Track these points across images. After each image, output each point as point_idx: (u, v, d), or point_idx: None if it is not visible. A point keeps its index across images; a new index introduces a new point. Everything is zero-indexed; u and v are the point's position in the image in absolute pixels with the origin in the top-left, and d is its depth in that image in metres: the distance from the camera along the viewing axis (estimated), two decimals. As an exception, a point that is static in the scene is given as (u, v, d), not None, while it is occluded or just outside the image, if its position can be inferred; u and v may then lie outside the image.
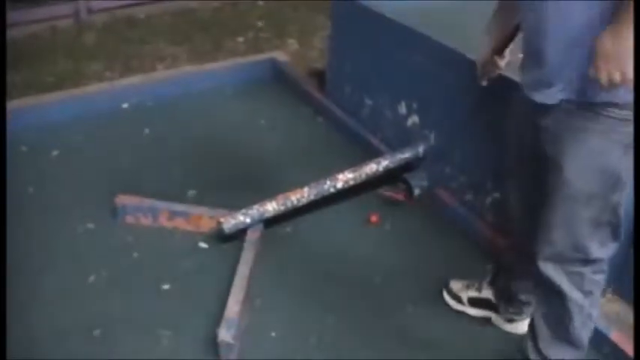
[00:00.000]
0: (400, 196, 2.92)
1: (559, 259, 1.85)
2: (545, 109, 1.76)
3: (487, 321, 2.35)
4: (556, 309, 1.92)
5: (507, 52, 2.12)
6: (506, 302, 2.26)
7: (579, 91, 1.67)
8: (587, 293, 1.88)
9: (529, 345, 2.03)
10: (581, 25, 1.60)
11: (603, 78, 1.54)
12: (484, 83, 2.21)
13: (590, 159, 1.71)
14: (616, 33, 1.51)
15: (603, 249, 1.83)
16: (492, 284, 2.32)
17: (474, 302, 2.36)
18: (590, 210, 1.76)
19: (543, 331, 1.97)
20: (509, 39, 2.06)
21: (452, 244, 2.71)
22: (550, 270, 1.87)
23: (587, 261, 1.83)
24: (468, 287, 2.37)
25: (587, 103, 1.66)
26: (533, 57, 1.76)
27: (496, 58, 2.11)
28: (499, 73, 2.15)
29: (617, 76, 1.52)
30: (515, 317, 2.29)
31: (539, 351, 1.99)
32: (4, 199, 1.93)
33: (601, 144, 1.68)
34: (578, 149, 1.71)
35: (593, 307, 1.93)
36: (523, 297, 2.21)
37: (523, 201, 2.06)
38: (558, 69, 1.69)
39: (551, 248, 1.84)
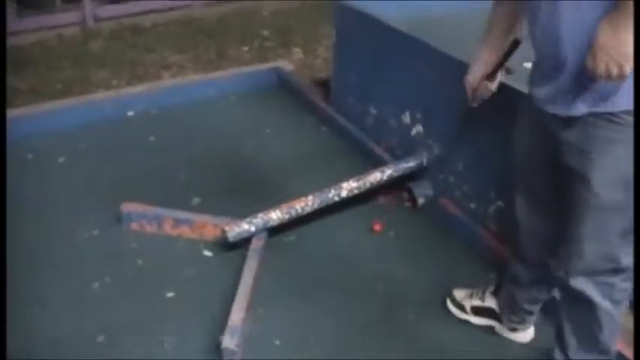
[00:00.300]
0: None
1: (590, 272, 1.84)
2: (564, 121, 1.73)
3: (490, 330, 2.35)
4: (585, 320, 1.91)
5: (499, 74, 2.11)
6: (510, 311, 2.26)
7: (602, 100, 1.64)
8: (617, 302, 1.87)
9: (559, 358, 2.02)
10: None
11: (600, 68, 1.53)
12: (475, 105, 2.21)
13: (617, 169, 1.69)
14: (614, 23, 1.49)
15: (630, 257, 1.82)
16: (496, 293, 2.32)
17: (477, 311, 2.36)
18: (620, 220, 1.75)
19: (572, 342, 1.97)
20: (501, 62, 2.06)
21: (455, 253, 2.71)
22: (580, 283, 1.85)
23: (618, 270, 1.82)
24: (471, 296, 2.37)
25: (609, 112, 1.64)
26: (549, 66, 1.72)
27: (487, 82, 2.11)
28: (494, 91, 2.15)
29: (615, 70, 1.51)
30: (519, 326, 2.28)
31: None
32: (3, 202, 1.95)
33: (625, 153, 1.66)
34: (606, 161, 1.69)
35: (620, 316, 1.92)
36: (527, 306, 2.21)
37: (535, 212, 2.04)
38: (579, 77, 1.65)
39: (581, 261, 1.83)
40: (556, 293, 2.18)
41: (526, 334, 2.31)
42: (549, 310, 2.26)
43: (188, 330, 2.29)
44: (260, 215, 2.62)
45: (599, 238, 1.79)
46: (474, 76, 2.13)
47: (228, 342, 2.13)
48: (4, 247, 1.84)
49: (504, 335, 2.33)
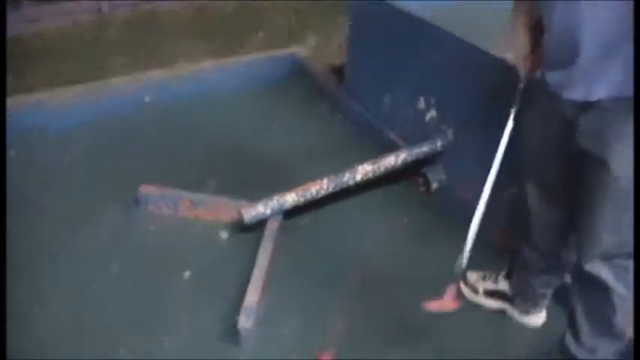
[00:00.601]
0: None
1: (606, 256, 1.85)
2: (580, 106, 1.74)
3: (502, 313, 2.37)
4: (599, 303, 1.92)
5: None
6: (522, 295, 2.28)
7: (621, 86, 1.65)
8: (630, 286, 1.88)
9: (571, 342, 2.03)
10: (620, 19, 1.57)
11: None
12: (533, 76, 2.03)
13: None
14: None
15: None
16: (508, 277, 2.34)
17: (490, 294, 2.38)
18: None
19: (585, 326, 1.98)
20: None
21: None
22: (596, 268, 1.87)
23: (632, 254, 1.82)
24: (484, 279, 2.40)
25: (628, 96, 1.64)
26: (564, 51, 1.72)
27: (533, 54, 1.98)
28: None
29: None
30: (531, 310, 2.31)
31: (582, 346, 2.00)
32: (3, 201, 1.92)
33: None
34: (625, 145, 1.69)
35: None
36: (539, 290, 2.23)
37: (547, 202, 2.05)
38: (597, 63, 1.66)
39: (599, 246, 1.84)
40: (568, 278, 2.20)
41: (538, 318, 2.33)
42: (561, 296, 2.28)
43: (204, 310, 2.33)
44: (276, 198, 2.65)
45: (618, 223, 1.79)
46: (522, 48, 1.98)
47: (244, 322, 2.17)
48: (4, 246, 1.83)
49: (516, 319, 2.35)
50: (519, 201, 2.25)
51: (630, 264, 1.85)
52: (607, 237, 1.82)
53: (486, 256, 2.59)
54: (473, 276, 2.42)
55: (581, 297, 1.98)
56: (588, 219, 1.85)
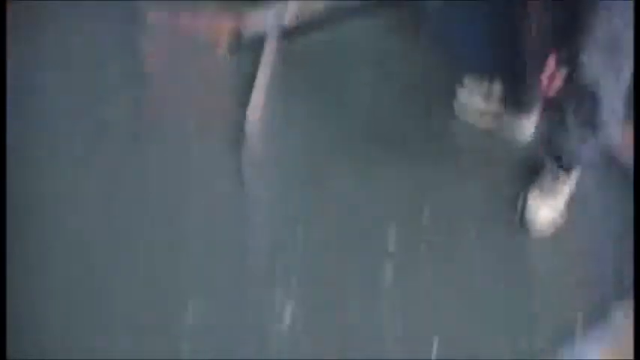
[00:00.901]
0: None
1: (599, 57, 1.85)
2: None
3: (496, 118, 2.41)
4: (588, 109, 1.95)
5: None
6: (515, 97, 2.33)
7: None
8: (620, 94, 1.91)
9: (557, 147, 2.11)
10: None
11: None
12: None
13: None
14: None
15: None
16: (502, 81, 2.36)
17: (485, 97, 2.42)
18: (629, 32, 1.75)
19: (574, 132, 2.01)
20: None
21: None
22: (588, 68, 1.88)
23: (621, 55, 1.84)
24: (480, 82, 2.43)
25: None
26: None
27: None
28: None
29: None
30: (523, 114, 2.34)
31: (568, 150, 2.08)
32: (3, 195, 1.86)
33: None
34: None
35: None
36: (531, 93, 2.28)
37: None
38: None
39: (593, 44, 1.83)
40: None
41: (527, 126, 2.36)
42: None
43: (209, 125, 2.39)
44: (275, 8, 2.62)
45: (609, 21, 1.78)
46: None
47: (250, 131, 2.27)
48: (4, 243, 1.80)
49: (508, 128, 2.38)
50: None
51: (620, 73, 1.87)
52: (600, 35, 1.82)
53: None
54: (470, 83, 2.45)
55: (570, 102, 2.01)
56: (581, 24, 1.84)
